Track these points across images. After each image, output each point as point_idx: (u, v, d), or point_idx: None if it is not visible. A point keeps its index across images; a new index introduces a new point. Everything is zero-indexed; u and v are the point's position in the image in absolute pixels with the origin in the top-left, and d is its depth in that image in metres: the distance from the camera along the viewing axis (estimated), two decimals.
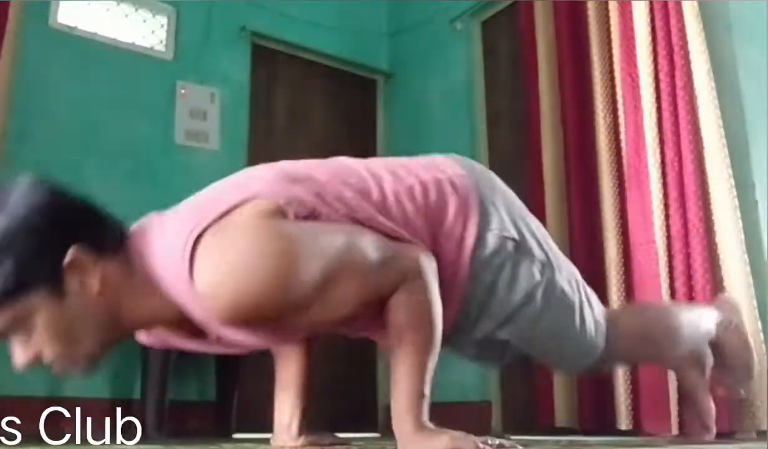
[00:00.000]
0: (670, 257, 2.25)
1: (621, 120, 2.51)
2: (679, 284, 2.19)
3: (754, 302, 2.03)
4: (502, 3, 3.48)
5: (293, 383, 1.45)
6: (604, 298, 2.09)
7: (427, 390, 1.12)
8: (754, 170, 2.22)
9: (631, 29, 2.48)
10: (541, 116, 2.83)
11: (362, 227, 1.15)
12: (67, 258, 1.02)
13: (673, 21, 2.35)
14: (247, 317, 1.05)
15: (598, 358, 1.47)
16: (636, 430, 2.25)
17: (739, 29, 2.33)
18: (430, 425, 1.11)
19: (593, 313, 1.44)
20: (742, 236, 2.10)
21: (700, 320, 1.72)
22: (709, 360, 1.74)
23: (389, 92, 4.17)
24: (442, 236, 1.26)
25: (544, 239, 1.40)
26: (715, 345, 1.74)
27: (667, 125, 2.31)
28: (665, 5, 2.39)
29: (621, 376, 2.30)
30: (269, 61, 3.83)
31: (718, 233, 2.15)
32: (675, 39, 2.34)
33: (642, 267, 2.31)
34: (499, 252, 1.30)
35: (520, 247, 1.33)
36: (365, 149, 3.66)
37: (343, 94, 4.09)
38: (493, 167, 1.50)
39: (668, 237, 2.26)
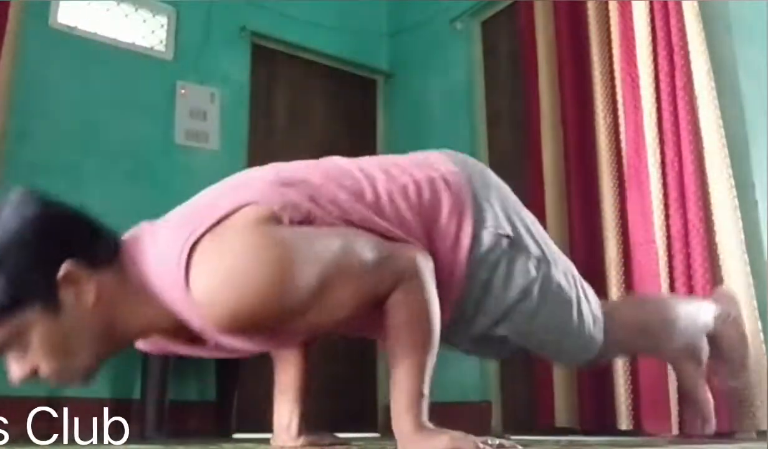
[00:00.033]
0: (670, 257, 2.24)
1: (621, 120, 2.51)
2: (679, 284, 2.19)
3: (754, 302, 2.02)
4: (502, 3, 3.48)
5: (292, 386, 1.45)
6: (604, 298, 2.08)
7: (426, 390, 1.12)
8: (754, 170, 2.22)
9: (631, 29, 2.48)
10: (541, 115, 2.83)
11: (357, 229, 1.15)
12: (61, 272, 1.01)
13: (673, 21, 2.35)
14: (244, 325, 1.05)
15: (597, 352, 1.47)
16: (636, 430, 2.25)
17: (739, 29, 2.33)
18: (430, 425, 1.10)
19: (590, 307, 1.43)
20: (742, 236, 2.10)
21: (698, 313, 1.72)
22: (706, 353, 1.73)
23: (389, 92, 4.17)
24: (436, 234, 1.25)
25: (539, 234, 1.40)
26: (713, 338, 1.74)
27: (667, 125, 2.31)
28: (665, 5, 2.39)
29: (621, 376, 2.30)
30: (269, 61, 3.83)
31: (718, 233, 2.15)
32: (675, 39, 2.34)
33: (642, 267, 2.31)
34: (494, 249, 1.29)
35: (515, 243, 1.33)
36: (365, 149, 3.62)
37: (343, 94, 4.08)
38: (493, 166, 1.50)
39: (668, 237, 2.26)
